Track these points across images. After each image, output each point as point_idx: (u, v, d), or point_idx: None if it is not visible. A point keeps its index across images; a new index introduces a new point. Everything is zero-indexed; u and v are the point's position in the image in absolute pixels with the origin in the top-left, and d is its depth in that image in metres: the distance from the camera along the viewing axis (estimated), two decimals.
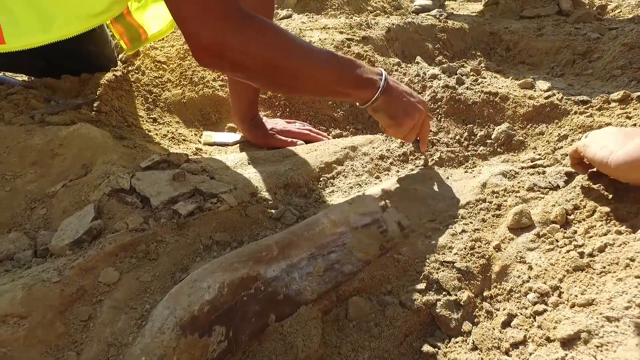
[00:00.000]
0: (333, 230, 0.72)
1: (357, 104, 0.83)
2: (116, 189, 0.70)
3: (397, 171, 0.96)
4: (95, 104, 1.03)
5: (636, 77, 1.22)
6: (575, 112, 1.01)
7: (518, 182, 0.87)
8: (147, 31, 1.04)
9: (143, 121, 1.08)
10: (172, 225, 0.66)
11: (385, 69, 1.29)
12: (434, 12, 2.05)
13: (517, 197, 0.80)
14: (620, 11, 2.04)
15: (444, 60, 1.59)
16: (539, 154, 0.97)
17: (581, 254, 0.65)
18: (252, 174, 0.83)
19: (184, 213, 0.67)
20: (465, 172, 0.94)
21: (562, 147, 0.96)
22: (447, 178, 0.92)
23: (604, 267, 0.61)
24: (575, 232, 0.71)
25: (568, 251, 0.67)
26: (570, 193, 0.80)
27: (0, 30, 0.77)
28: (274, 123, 1.07)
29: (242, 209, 0.73)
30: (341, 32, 1.46)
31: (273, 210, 0.75)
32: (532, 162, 0.96)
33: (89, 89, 1.09)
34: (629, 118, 0.92)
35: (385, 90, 0.78)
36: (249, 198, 0.76)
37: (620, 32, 1.49)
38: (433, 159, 1.00)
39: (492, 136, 1.05)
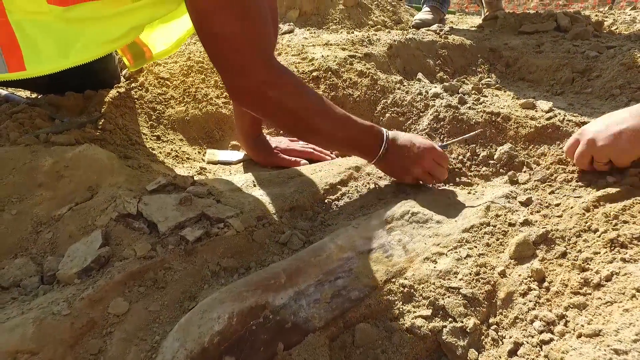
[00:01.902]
0: (339, 256, 0.73)
1: None
2: (123, 214, 0.70)
3: (402, 191, 0.97)
4: (99, 122, 1.04)
5: (635, 98, 1.24)
6: None
7: (521, 205, 0.87)
8: (152, 50, 1.05)
9: (147, 139, 1.08)
10: (180, 251, 0.66)
11: (387, 87, 1.30)
12: (434, 27, 2.07)
13: (519, 222, 0.81)
14: (617, 28, 2.07)
15: (445, 77, 1.60)
16: (541, 176, 0.98)
17: (587, 282, 0.66)
18: (258, 197, 0.83)
19: (192, 239, 0.68)
20: (469, 193, 0.95)
21: (564, 170, 0.97)
22: (452, 199, 0.92)
23: (611, 297, 0.62)
24: (581, 259, 0.71)
25: (573, 279, 0.67)
26: (572, 218, 0.81)
27: (22, 57, 0.78)
28: (277, 142, 1.08)
29: (248, 233, 0.73)
30: (343, 49, 1.48)
31: (280, 235, 0.75)
32: (534, 183, 0.98)
33: (92, 106, 1.09)
34: None
35: (383, 156, 0.88)
36: (256, 222, 0.76)
37: (618, 51, 1.51)
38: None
39: (495, 157, 1.06)
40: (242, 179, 0.90)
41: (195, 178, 0.97)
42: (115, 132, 1.03)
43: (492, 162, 1.06)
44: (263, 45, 0.74)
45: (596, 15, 2.53)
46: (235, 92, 0.77)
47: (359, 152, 0.89)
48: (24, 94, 1.29)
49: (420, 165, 0.89)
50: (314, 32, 1.77)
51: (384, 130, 0.88)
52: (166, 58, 1.32)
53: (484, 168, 1.05)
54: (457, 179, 1.04)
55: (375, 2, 2.33)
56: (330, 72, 1.31)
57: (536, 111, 1.16)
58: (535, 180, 0.98)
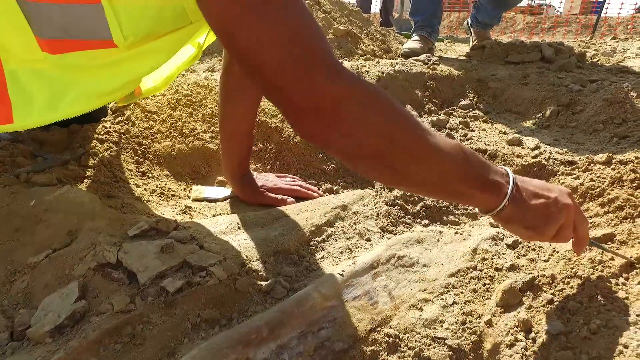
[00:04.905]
0: (324, 305, 0.71)
1: (478, 210, 0.69)
2: (102, 264, 0.68)
3: (388, 231, 0.96)
4: (83, 159, 1.02)
5: (617, 134, 1.25)
6: (562, 173, 1.03)
7: (507, 248, 0.87)
8: (141, 86, 1.05)
9: (132, 175, 1.07)
10: (160, 303, 0.65)
11: None
12: (422, 56, 2.10)
13: (506, 267, 0.80)
14: (599, 59, 2.12)
15: (433, 108, 1.62)
16: None
17: (574, 336, 0.65)
18: (242, 241, 0.82)
19: (172, 290, 0.66)
20: (456, 233, 0.94)
21: None
22: (438, 241, 0.92)
23: (597, 353, 0.61)
24: (567, 308, 0.71)
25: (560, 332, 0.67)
26: (558, 263, 0.80)
27: (10, 110, 0.74)
28: (264, 180, 1.07)
29: (231, 282, 0.72)
30: None
31: (263, 283, 0.74)
32: None
33: (77, 141, 1.08)
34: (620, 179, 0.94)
35: (514, 197, 0.63)
36: (239, 269, 0.74)
37: (600, 86, 1.55)
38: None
39: None
40: (227, 221, 0.89)
41: (180, 219, 0.96)
42: (99, 168, 1.02)
43: None
44: (321, 45, 0.53)
45: (579, 46, 2.60)
46: (298, 124, 0.55)
47: (482, 189, 0.61)
48: None
49: (565, 211, 0.65)
50: None
51: (507, 169, 0.67)
52: None
53: (471, 206, 1.05)
54: (445, 218, 1.03)
55: (365, 31, 2.37)
56: None
57: (522, 148, 1.17)
58: None
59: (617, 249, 0.80)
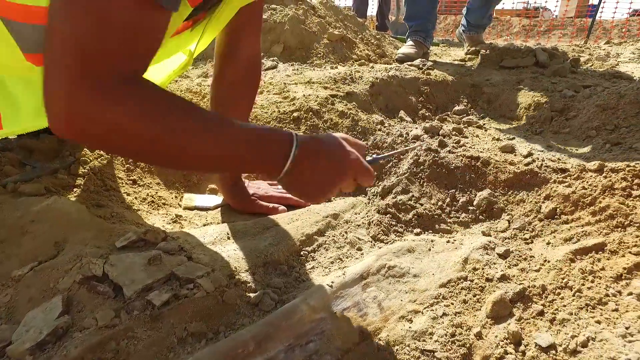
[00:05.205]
0: (312, 317, 0.71)
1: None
2: (88, 277, 0.67)
3: (380, 240, 0.96)
4: (73, 167, 1.01)
5: (610, 140, 1.25)
6: (555, 181, 1.02)
7: (499, 257, 0.87)
8: None
9: (122, 183, 1.06)
10: (145, 317, 0.64)
11: (368, 128, 1.30)
12: (417, 61, 2.10)
13: (497, 278, 0.80)
14: (592, 64, 2.13)
15: (427, 114, 1.62)
16: (520, 224, 0.98)
17: (562, 348, 0.65)
18: (232, 252, 0.81)
19: (158, 304, 0.65)
20: (447, 242, 0.94)
21: (542, 218, 0.97)
22: (430, 250, 0.91)
23: None
24: (558, 319, 0.70)
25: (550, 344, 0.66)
26: (549, 273, 0.80)
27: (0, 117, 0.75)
28: (255, 187, 1.07)
29: (219, 294, 0.71)
30: (325, 87, 1.48)
31: (251, 294, 0.73)
32: (512, 232, 0.97)
33: (67, 149, 1.07)
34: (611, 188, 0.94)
35: (291, 171, 0.65)
36: (227, 281, 0.74)
37: (594, 91, 1.55)
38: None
39: (474, 202, 1.06)
40: (217, 231, 0.88)
41: (170, 228, 0.95)
42: (89, 177, 1.01)
43: (471, 208, 1.06)
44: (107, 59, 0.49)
45: (573, 50, 2.61)
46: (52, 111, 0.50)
47: (258, 167, 0.67)
48: None
49: (340, 182, 0.69)
50: (297, 69, 1.78)
51: (294, 134, 0.67)
52: None
53: (463, 214, 1.05)
54: (437, 226, 1.03)
55: (360, 36, 2.37)
56: (311, 113, 1.31)
57: (515, 155, 1.16)
58: (514, 229, 0.98)
59: (608, 259, 0.80)
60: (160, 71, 1.03)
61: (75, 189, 0.97)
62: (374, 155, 0.82)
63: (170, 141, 0.55)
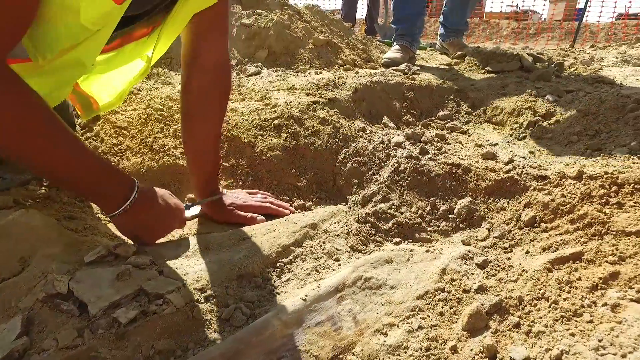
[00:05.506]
0: (284, 332, 0.69)
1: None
2: (51, 294, 0.65)
3: (358, 250, 0.94)
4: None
5: (590, 146, 1.25)
6: (535, 189, 1.02)
7: (477, 267, 0.86)
8: (98, 101, 1.02)
9: None
10: (110, 336, 0.62)
11: (350, 135, 1.29)
12: (402, 66, 2.09)
13: (474, 289, 0.79)
14: (576, 68, 2.14)
15: (411, 120, 1.61)
16: (500, 232, 0.97)
17: None
18: (205, 265, 0.79)
19: (124, 321, 0.63)
20: (427, 251, 0.93)
21: (522, 226, 0.96)
22: (408, 260, 0.90)
23: None
24: (533, 332, 0.70)
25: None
26: (526, 284, 0.79)
27: None
28: (234, 197, 1.05)
29: (189, 310, 0.69)
30: (308, 94, 1.47)
31: (224, 309, 0.71)
32: (492, 240, 0.97)
33: None
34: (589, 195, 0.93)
35: (129, 210, 0.77)
36: (198, 296, 0.72)
37: (576, 97, 1.55)
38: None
39: (455, 211, 1.05)
40: (192, 243, 0.87)
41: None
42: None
43: (451, 216, 1.05)
44: None
45: (559, 54, 2.63)
46: None
47: (96, 198, 0.80)
48: None
49: (171, 227, 0.89)
50: (281, 74, 1.77)
51: (136, 182, 0.79)
52: (125, 105, 1.29)
53: (444, 223, 1.04)
54: (417, 235, 1.02)
55: (346, 41, 2.36)
56: (292, 120, 1.29)
57: (496, 162, 1.16)
58: (493, 237, 0.97)
59: (585, 268, 0.80)
60: (120, 77, 1.01)
61: (47, 201, 0.95)
62: (189, 204, 1.00)
63: (23, 146, 0.65)
